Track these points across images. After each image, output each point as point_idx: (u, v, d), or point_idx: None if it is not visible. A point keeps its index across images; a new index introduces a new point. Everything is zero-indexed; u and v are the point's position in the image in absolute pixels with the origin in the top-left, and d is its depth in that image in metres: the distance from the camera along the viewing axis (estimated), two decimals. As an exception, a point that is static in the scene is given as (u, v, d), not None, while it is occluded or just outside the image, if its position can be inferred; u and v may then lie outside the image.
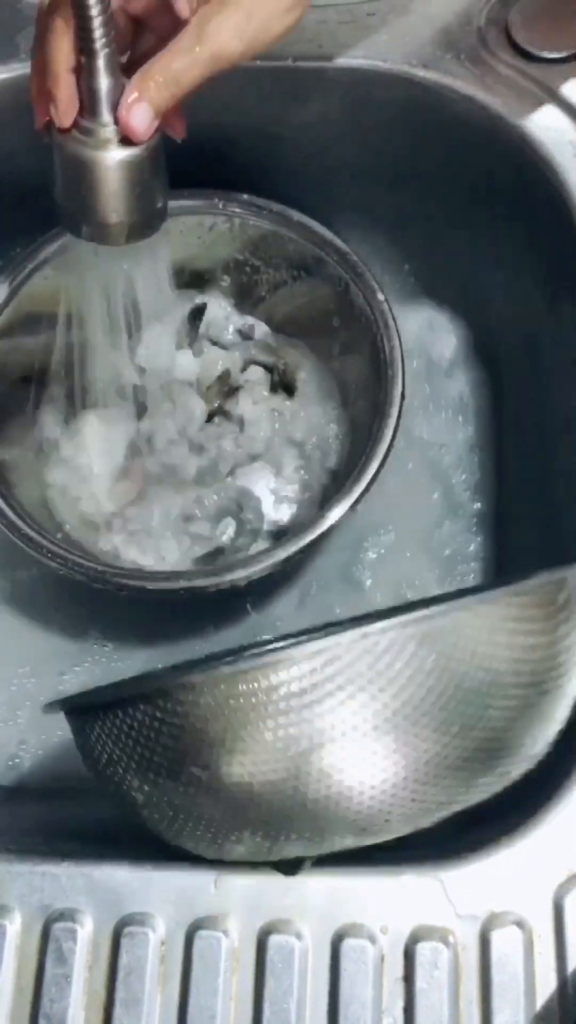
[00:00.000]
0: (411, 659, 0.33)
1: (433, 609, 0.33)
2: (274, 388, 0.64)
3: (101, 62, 0.40)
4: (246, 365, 0.64)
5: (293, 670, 0.32)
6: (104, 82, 0.40)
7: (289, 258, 0.60)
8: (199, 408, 0.62)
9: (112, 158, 0.42)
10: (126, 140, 0.42)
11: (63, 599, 0.61)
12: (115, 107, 0.41)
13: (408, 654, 0.33)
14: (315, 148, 0.60)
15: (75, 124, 0.42)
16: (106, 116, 0.41)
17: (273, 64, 0.55)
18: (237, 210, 0.59)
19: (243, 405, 0.62)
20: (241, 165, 0.59)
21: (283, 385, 0.64)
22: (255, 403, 0.62)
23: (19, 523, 0.52)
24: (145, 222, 0.45)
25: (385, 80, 0.55)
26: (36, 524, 0.53)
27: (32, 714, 0.59)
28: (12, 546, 0.53)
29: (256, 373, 0.64)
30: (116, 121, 0.41)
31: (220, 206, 0.59)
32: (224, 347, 0.64)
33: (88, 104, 0.41)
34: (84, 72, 0.40)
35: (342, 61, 0.55)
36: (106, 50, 0.39)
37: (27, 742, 0.58)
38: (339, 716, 0.32)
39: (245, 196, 0.59)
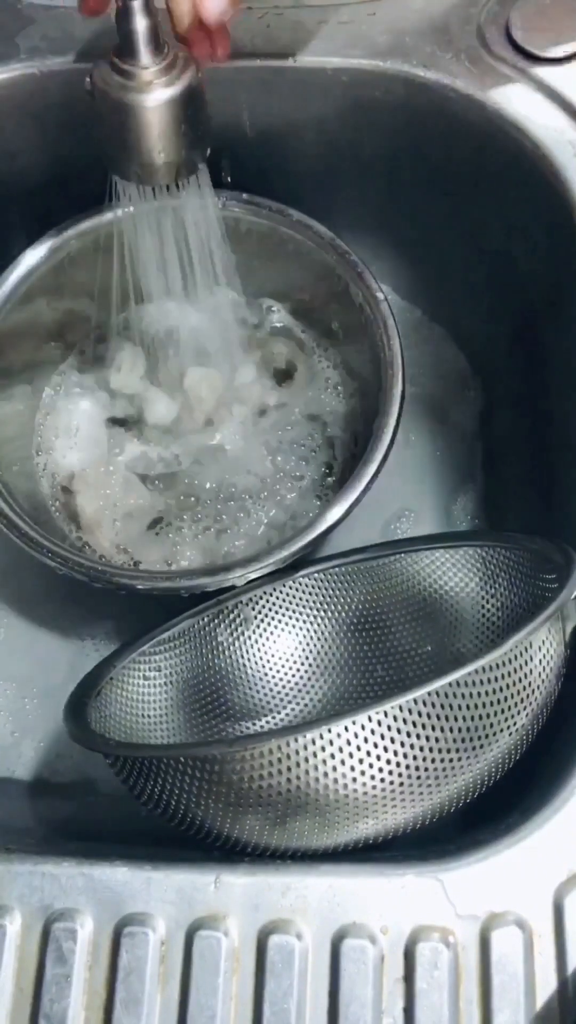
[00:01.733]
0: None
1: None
2: (279, 380, 0.64)
3: (137, 3, 0.40)
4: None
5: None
6: (140, 23, 0.41)
7: (289, 258, 0.60)
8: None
9: (154, 100, 0.42)
10: (166, 81, 0.42)
11: (63, 595, 0.61)
12: (154, 48, 0.42)
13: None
14: (315, 148, 0.60)
15: (115, 67, 0.42)
16: (145, 58, 0.42)
17: (273, 64, 0.55)
18: (237, 210, 0.59)
19: (236, 411, 0.62)
20: (241, 165, 0.59)
21: (284, 373, 0.64)
22: (248, 406, 0.62)
23: (19, 523, 0.52)
24: (190, 158, 0.45)
25: (385, 80, 0.55)
26: (35, 521, 0.53)
27: (33, 713, 0.59)
28: (10, 544, 0.53)
29: (248, 375, 0.63)
30: (155, 63, 0.42)
31: (220, 206, 0.59)
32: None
33: (126, 47, 0.42)
34: (120, 15, 0.41)
35: (342, 61, 0.55)
36: None
37: (27, 742, 0.58)
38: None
39: (245, 196, 0.59)
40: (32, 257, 0.57)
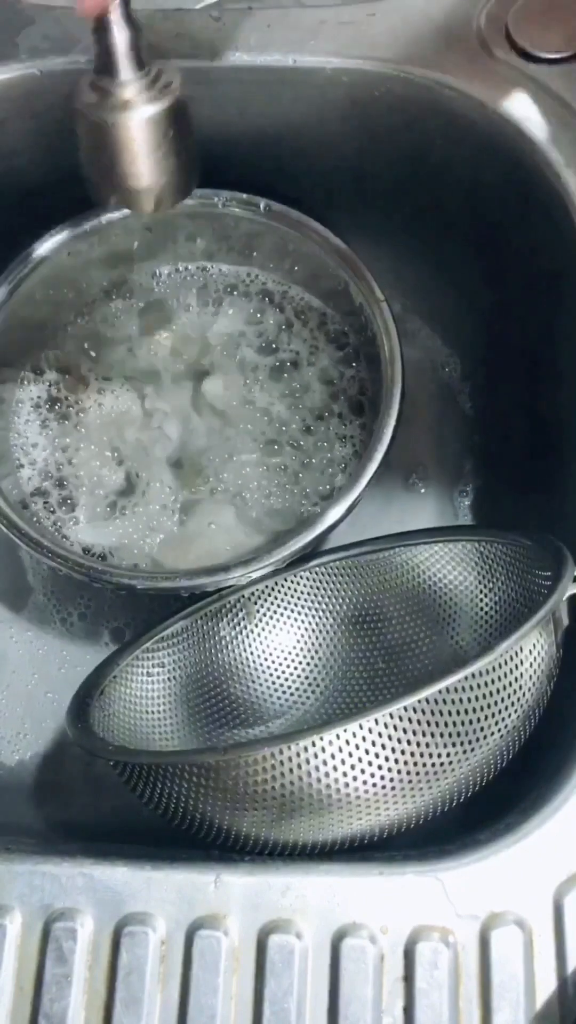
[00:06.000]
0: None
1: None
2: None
3: (114, 13, 0.37)
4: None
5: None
6: (120, 36, 0.38)
7: (289, 257, 0.60)
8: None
9: (131, 118, 0.40)
10: (147, 99, 0.40)
11: (63, 595, 0.61)
12: (134, 64, 0.39)
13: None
14: (315, 148, 0.59)
15: (93, 85, 0.40)
16: (125, 74, 0.39)
17: (273, 64, 0.55)
18: (237, 210, 0.59)
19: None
20: (241, 165, 0.59)
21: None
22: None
23: (19, 522, 0.52)
24: (175, 186, 0.43)
25: (385, 80, 0.55)
26: (32, 520, 0.53)
27: (33, 713, 0.59)
28: (10, 544, 0.53)
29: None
30: (135, 79, 0.39)
31: (220, 206, 0.59)
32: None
33: (105, 63, 0.39)
34: (97, 27, 0.38)
35: (342, 61, 0.55)
36: None
37: (27, 741, 0.58)
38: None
39: (245, 196, 0.59)
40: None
